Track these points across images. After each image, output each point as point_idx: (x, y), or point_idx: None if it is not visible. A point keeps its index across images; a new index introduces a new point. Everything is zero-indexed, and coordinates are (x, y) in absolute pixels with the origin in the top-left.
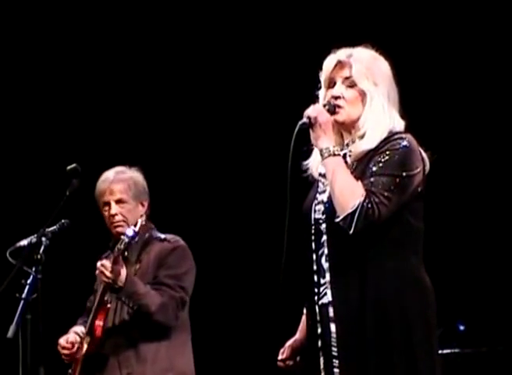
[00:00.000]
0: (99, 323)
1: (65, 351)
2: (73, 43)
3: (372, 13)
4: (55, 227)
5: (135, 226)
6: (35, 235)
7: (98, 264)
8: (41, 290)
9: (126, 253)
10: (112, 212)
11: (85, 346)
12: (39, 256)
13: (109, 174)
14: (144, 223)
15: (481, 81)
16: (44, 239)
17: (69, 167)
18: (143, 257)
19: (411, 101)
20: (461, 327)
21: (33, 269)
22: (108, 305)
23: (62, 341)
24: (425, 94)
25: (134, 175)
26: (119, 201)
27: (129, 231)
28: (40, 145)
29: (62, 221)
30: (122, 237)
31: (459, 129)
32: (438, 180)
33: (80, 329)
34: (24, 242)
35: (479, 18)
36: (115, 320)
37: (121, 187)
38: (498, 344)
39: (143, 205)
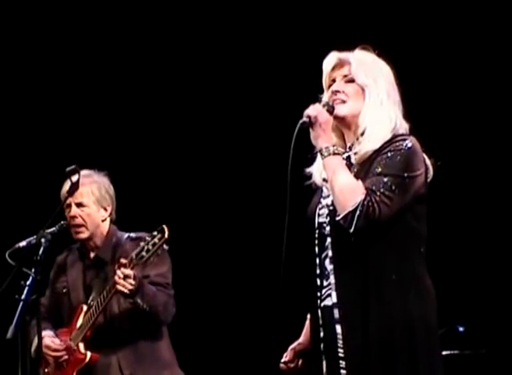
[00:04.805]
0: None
1: (58, 354)
2: (72, 45)
3: (374, 16)
4: (54, 229)
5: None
6: (34, 236)
7: (120, 274)
8: (40, 291)
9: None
10: (71, 214)
11: (88, 354)
12: (38, 257)
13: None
14: (113, 231)
15: (484, 87)
16: (43, 240)
17: (68, 168)
18: (119, 257)
19: (414, 107)
20: (461, 329)
21: (33, 270)
22: (90, 308)
23: (51, 343)
24: (428, 100)
25: (99, 180)
26: (79, 205)
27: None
28: (39, 147)
29: (61, 222)
30: (142, 244)
31: (462, 136)
32: (440, 183)
33: (51, 333)
34: (23, 243)
35: (483, 22)
36: (108, 321)
37: (82, 191)
38: (497, 346)
39: (105, 210)
